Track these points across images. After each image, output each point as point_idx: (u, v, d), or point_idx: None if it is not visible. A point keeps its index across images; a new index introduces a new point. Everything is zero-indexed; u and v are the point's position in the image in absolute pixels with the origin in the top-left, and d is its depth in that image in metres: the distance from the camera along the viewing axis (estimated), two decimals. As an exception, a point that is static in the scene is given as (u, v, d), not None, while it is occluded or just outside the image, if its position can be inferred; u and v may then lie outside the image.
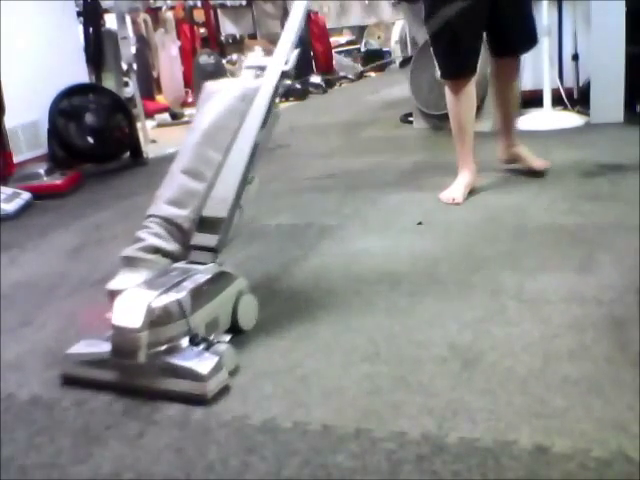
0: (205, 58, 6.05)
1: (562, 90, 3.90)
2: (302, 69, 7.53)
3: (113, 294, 1.46)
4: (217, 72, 6.01)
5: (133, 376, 1.39)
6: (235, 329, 1.56)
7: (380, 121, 4.68)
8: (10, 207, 3.12)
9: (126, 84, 4.93)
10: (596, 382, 1.25)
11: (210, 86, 1.73)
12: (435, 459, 1.08)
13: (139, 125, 4.45)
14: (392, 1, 6.54)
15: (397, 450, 1.12)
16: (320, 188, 3.02)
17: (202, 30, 8.24)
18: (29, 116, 3.89)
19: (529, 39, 2.60)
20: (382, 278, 1.88)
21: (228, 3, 9.68)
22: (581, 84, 3.92)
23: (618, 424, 1.12)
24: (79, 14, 4.52)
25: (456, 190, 2.53)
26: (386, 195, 2.72)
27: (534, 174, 2.69)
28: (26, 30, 3.86)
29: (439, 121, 4.05)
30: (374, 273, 1.93)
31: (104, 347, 1.43)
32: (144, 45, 7.11)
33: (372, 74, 8.68)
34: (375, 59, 8.87)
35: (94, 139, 3.95)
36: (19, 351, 1.67)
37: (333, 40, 8.99)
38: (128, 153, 4.20)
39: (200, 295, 1.45)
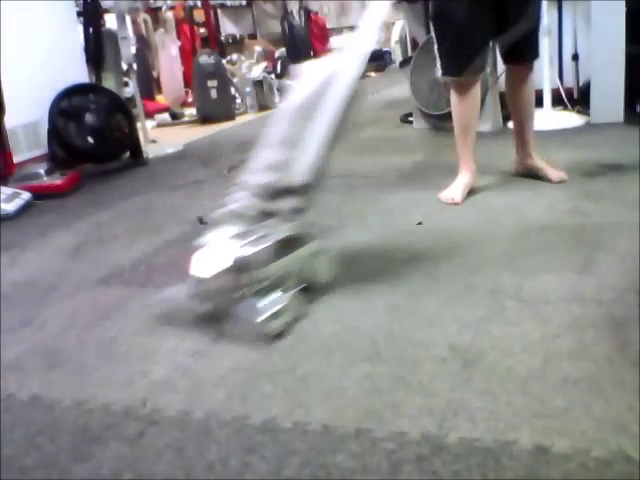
0: (205, 58, 6.04)
1: (562, 90, 3.90)
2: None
3: (198, 250, 1.68)
4: (217, 72, 6.01)
5: (206, 320, 1.63)
6: (310, 284, 1.74)
7: (380, 121, 4.68)
8: (10, 207, 3.12)
9: (126, 84, 4.93)
10: (596, 382, 1.25)
11: (302, 67, 1.99)
12: (435, 459, 1.08)
13: (139, 125, 4.45)
14: (392, 1, 6.54)
15: (397, 450, 1.12)
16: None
17: (202, 30, 8.24)
18: (29, 116, 3.89)
19: (535, 47, 2.60)
20: (382, 278, 1.88)
21: (228, 3, 9.68)
22: (581, 84, 3.92)
23: (618, 424, 1.12)
24: (79, 14, 4.52)
25: (455, 190, 2.52)
26: (386, 195, 2.72)
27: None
28: (26, 30, 3.86)
29: (439, 121, 4.05)
30: (374, 273, 1.93)
31: (184, 292, 1.67)
32: (144, 45, 7.11)
33: (372, 74, 8.68)
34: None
35: (94, 139, 3.95)
36: (19, 351, 1.67)
37: (333, 40, 8.98)
38: (128, 153, 4.20)
39: (277, 250, 1.63)
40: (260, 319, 1.54)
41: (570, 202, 2.37)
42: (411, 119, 4.34)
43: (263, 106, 6.41)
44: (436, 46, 2.53)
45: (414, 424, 1.18)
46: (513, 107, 2.71)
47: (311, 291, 1.73)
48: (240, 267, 1.56)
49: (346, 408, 1.27)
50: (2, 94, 3.50)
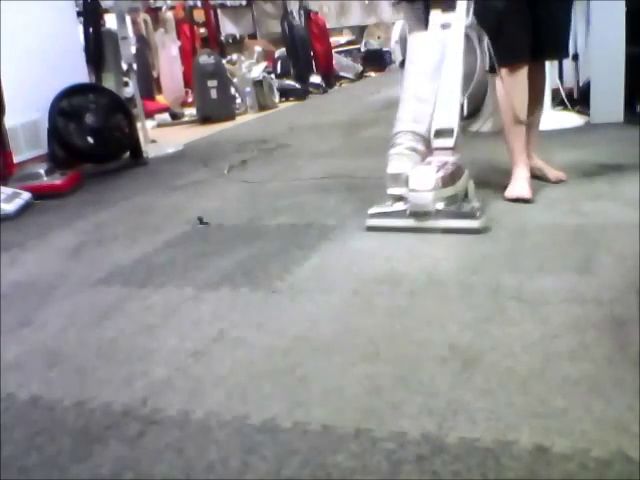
0: (205, 58, 6.04)
1: (562, 90, 3.90)
2: (302, 69, 7.54)
3: (393, 176, 2.34)
4: (217, 72, 6.01)
5: (426, 221, 2.18)
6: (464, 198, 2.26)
7: (380, 121, 4.68)
8: (10, 207, 3.12)
9: (126, 84, 4.94)
10: (596, 382, 1.25)
11: (413, 39, 2.60)
12: (435, 459, 1.08)
13: (139, 125, 4.45)
14: (392, 1, 6.54)
15: (397, 450, 1.12)
16: (320, 188, 3.02)
17: (202, 30, 8.25)
18: (29, 116, 3.90)
19: (562, 47, 2.59)
20: (382, 278, 1.88)
21: (228, 3, 9.70)
22: (581, 84, 3.92)
23: (618, 424, 1.12)
24: (79, 14, 4.53)
25: (521, 186, 2.44)
26: (386, 195, 2.72)
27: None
28: (26, 30, 3.86)
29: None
30: (374, 273, 1.93)
31: (397, 206, 2.27)
32: (144, 45, 7.12)
33: (372, 74, 8.69)
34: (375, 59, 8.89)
35: (94, 139, 3.95)
36: (19, 351, 1.67)
37: (333, 40, 8.99)
38: (128, 153, 4.21)
39: (457, 172, 2.23)
40: (476, 212, 2.17)
41: (570, 202, 2.37)
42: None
43: (263, 106, 6.42)
44: (486, 40, 2.46)
45: (414, 424, 1.18)
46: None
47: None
48: (444, 182, 2.15)
49: (346, 408, 1.27)
50: (2, 94, 3.50)
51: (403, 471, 1.07)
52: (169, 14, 7.49)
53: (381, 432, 1.17)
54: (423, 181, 2.15)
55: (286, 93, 7.09)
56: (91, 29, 4.40)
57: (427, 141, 2.31)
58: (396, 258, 2.03)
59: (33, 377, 1.53)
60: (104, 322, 1.80)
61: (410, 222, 2.19)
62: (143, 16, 7.30)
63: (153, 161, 4.23)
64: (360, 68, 8.79)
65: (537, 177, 2.62)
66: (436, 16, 2.45)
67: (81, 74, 4.28)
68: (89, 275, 2.20)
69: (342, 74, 8.43)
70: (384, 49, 9.11)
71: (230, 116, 6.02)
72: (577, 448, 1.07)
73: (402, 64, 5.02)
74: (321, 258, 2.12)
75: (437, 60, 2.33)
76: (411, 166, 2.27)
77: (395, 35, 8.64)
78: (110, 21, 4.92)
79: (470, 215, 2.16)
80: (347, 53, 9.33)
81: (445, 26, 2.39)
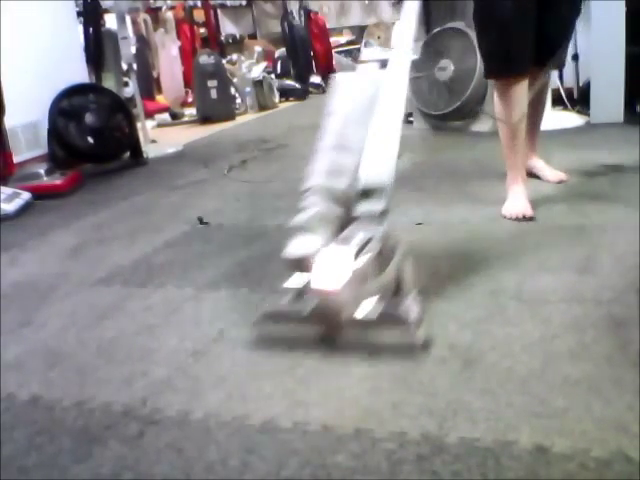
0: (205, 58, 6.04)
1: (562, 90, 3.90)
2: (302, 69, 7.54)
3: (294, 260, 1.55)
4: (217, 72, 6.01)
5: (335, 331, 1.49)
6: (397, 292, 1.59)
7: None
8: (10, 207, 3.12)
9: (126, 84, 4.93)
10: (596, 382, 1.25)
11: (339, 78, 1.93)
12: (435, 459, 1.08)
13: (139, 125, 4.45)
14: (392, 1, 6.54)
15: (397, 450, 1.12)
16: (320, 188, 3.01)
17: (202, 30, 8.24)
18: (29, 116, 3.89)
19: (564, 56, 2.54)
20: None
21: (228, 3, 9.69)
22: (581, 84, 3.92)
23: (618, 424, 1.12)
24: (79, 14, 4.52)
25: (520, 204, 2.29)
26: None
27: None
28: (26, 30, 3.86)
29: (439, 121, 4.06)
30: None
31: (296, 309, 1.53)
32: (144, 45, 7.11)
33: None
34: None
35: (94, 139, 3.95)
36: (19, 351, 1.67)
37: (333, 40, 8.99)
38: (128, 153, 4.20)
39: (383, 255, 1.55)
40: (412, 323, 1.47)
41: (570, 202, 2.37)
42: (411, 119, 4.34)
43: (263, 106, 6.41)
44: (478, 46, 2.38)
45: (414, 424, 1.18)
46: (528, 108, 2.54)
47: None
48: (361, 276, 1.45)
49: (346, 408, 1.27)
50: (2, 94, 3.50)
51: (403, 471, 1.07)
52: (169, 14, 7.49)
53: (381, 432, 1.17)
54: (331, 275, 1.43)
55: (286, 93, 7.09)
56: (91, 29, 4.39)
57: (348, 202, 1.65)
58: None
59: (33, 377, 1.53)
60: (104, 322, 1.80)
61: (312, 332, 1.52)
62: (143, 16, 7.30)
63: (153, 161, 4.23)
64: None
65: (536, 177, 2.62)
66: (371, 52, 2.14)
67: (81, 74, 4.27)
68: (89, 275, 2.20)
69: (342, 74, 8.42)
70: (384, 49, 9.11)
71: (230, 116, 6.02)
72: (577, 448, 1.07)
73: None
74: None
75: (367, 103, 1.76)
76: (320, 243, 1.53)
77: (395, 35, 8.65)
78: (110, 21, 4.92)
79: (402, 324, 1.49)
80: (347, 53, 9.32)
81: (383, 63, 1.89)
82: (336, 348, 1.48)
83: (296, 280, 1.58)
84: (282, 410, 1.28)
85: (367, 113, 1.74)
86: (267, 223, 2.57)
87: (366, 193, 1.65)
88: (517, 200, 2.31)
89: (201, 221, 2.65)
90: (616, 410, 1.16)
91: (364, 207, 1.63)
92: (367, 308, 1.45)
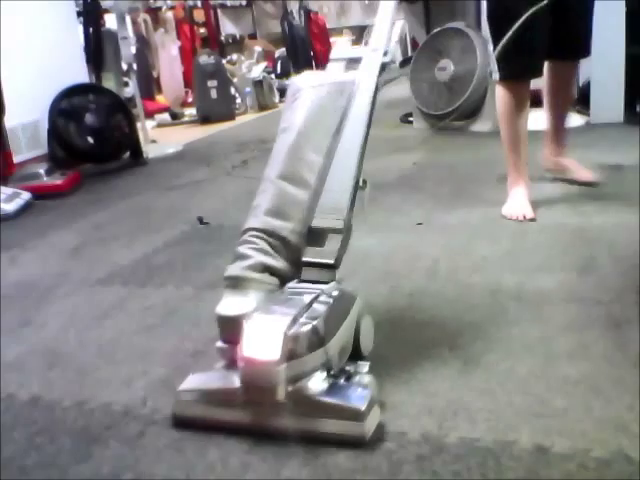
0: (205, 58, 6.04)
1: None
2: (302, 69, 7.54)
3: (224, 320, 1.30)
4: (217, 72, 6.01)
5: (270, 416, 1.18)
6: (354, 355, 1.33)
7: (380, 121, 4.67)
8: (10, 207, 3.12)
9: (126, 84, 4.93)
10: (596, 382, 1.25)
11: (297, 81, 1.53)
12: (435, 459, 1.08)
13: (139, 125, 4.45)
14: (394, 1, 6.54)
15: (397, 450, 1.12)
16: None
17: (202, 30, 8.24)
18: (29, 116, 3.89)
19: (589, 44, 2.42)
20: (382, 278, 1.88)
21: (228, 3, 9.69)
22: (581, 84, 3.92)
23: (618, 424, 1.12)
24: (79, 14, 4.52)
25: (521, 205, 2.28)
26: (386, 195, 2.72)
27: (584, 184, 2.53)
28: (26, 30, 3.86)
29: (439, 121, 4.06)
30: (374, 273, 1.93)
31: (224, 382, 1.24)
32: (144, 45, 7.11)
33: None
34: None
35: (94, 139, 3.95)
36: (19, 351, 1.67)
37: (333, 40, 8.98)
38: (128, 153, 4.20)
39: (332, 319, 1.23)
40: (361, 408, 1.14)
41: (570, 202, 2.37)
42: (411, 119, 4.35)
43: (263, 106, 6.41)
44: (492, 47, 2.27)
45: (414, 424, 1.18)
46: (552, 104, 2.55)
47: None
48: (303, 346, 1.17)
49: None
50: (2, 94, 3.50)
51: (403, 471, 1.07)
52: (169, 14, 7.49)
53: (380, 432, 1.17)
54: (263, 343, 1.16)
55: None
56: (91, 29, 4.39)
57: (294, 249, 1.37)
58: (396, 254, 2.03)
59: (33, 377, 1.53)
60: (104, 322, 1.80)
61: (240, 415, 1.20)
62: (143, 16, 7.30)
63: (153, 161, 4.23)
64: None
65: (565, 179, 2.55)
66: (341, 48, 1.68)
67: (81, 74, 4.27)
68: (89, 275, 2.20)
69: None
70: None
71: (230, 116, 6.02)
72: (577, 448, 1.07)
73: (402, 64, 5.02)
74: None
75: (328, 118, 1.45)
76: (258, 300, 1.30)
77: (395, 35, 8.65)
78: (110, 21, 4.92)
79: (348, 407, 1.15)
80: (347, 53, 9.31)
81: (353, 62, 1.57)
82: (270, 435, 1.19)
83: (225, 344, 1.29)
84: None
85: (327, 131, 1.43)
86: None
87: (316, 237, 1.36)
88: (518, 201, 2.30)
89: (201, 221, 2.65)
90: (616, 410, 1.16)
91: (312, 255, 1.34)
92: (311, 384, 1.17)
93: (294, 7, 7.94)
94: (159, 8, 7.84)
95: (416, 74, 4.13)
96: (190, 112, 6.48)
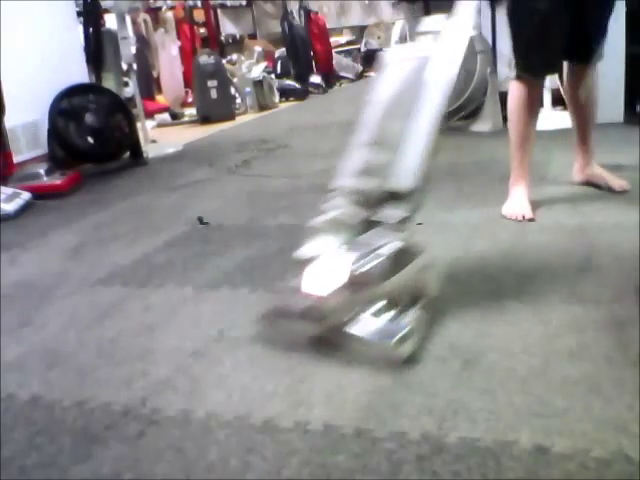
0: (205, 58, 6.04)
1: (562, 90, 3.90)
2: (302, 69, 7.54)
3: (304, 262, 1.50)
4: (217, 72, 6.01)
5: (326, 339, 1.43)
6: (417, 300, 1.53)
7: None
8: (10, 207, 3.12)
9: (126, 84, 4.93)
10: (596, 382, 1.25)
11: (387, 54, 1.73)
12: (435, 459, 1.08)
13: (139, 125, 4.45)
14: (392, 1, 6.54)
15: (397, 450, 1.12)
16: (320, 188, 3.01)
17: (202, 30, 8.23)
18: (29, 116, 3.89)
19: (601, 47, 2.37)
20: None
21: (228, 3, 9.68)
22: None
23: (618, 424, 1.12)
24: (79, 14, 4.52)
25: (521, 205, 2.28)
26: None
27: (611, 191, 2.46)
28: (26, 30, 3.86)
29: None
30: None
31: (296, 311, 1.48)
32: (144, 45, 7.11)
33: (372, 74, 8.68)
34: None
35: (94, 139, 3.95)
36: (19, 351, 1.67)
37: (333, 40, 8.99)
38: (128, 153, 4.21)
39: (394, 263, 1.46)
40: (393, 341, 1.39)
41: (570, 202, 2.37)
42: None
43: (263, 106, 6.41)
44: (512, 43, 2.28)
45: (414, 424, 1.18)
46: (576, 108, 2.50)
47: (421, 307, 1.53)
48: (357, 283, 1.40)
49: (346, 408, 1.26)
50: (2, 94, 3.50)
51: (403, 471, 1.07)
52: (169, 14, 7.48)
53: (381, 432, 1.17)
54: (323, 277, 1.41)
55: (286, 93, 7.09)
56: (91, 29, 4.39)
57: (374, 204, 1.58)
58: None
59: (33, 377, 1.53)
60: (104, 322, 1.80)
61: (304, 330, 1.49)
62: (143, 16, 7.30)
63: (153, 161, 4.23)
64: (360, 68, 8.78)
65: (597, 186, 2.49)
66: (432, 21, 1.77)
67: (81, 74, 4.27)
68: (89, 275, 2.20)
69: (342, 74, 8.42)
70: (384, 49, 9.11)
71: (230, 116, 6.02)
72: (577, 448, 1.07)
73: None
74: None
75: (413, 90, 1.58)
76: (333, 247, 1.53)
77: (395, 35, 8.65)
78: (110, 21, 4.91)
79: (386, 337, 1.41)
80: (347, 53, 9.32)
81: (434, 34, 1.68)
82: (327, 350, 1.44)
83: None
84: (282, 410, 1.28)
85: (410, 103, 1.57)
86: (267, 223, 2.57)
87: (392, 196, 1.55)
88: (518, 201, 2.30)
89: (201, 221, 2.65)
90: (616, 410, 1.16)
91: (386, 211, 1.55)
92: (359, 322, 1.42)
93: (294, 7, 7.94)
94: (159, 8, 7.83)
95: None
96: (190, 112, 6.48)
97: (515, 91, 2.32)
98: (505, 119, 3.74)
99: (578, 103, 2.48)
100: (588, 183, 2.53)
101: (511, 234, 2.13)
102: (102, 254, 2.43)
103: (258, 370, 1.44)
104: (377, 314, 1.44)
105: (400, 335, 1.39)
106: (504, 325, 1.52)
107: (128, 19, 5.26)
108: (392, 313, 1.45)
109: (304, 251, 1.53)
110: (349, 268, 1.39)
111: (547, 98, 3.77)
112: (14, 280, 2.23)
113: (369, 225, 1.56)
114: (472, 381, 1.30)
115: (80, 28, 4.42)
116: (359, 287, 1.40)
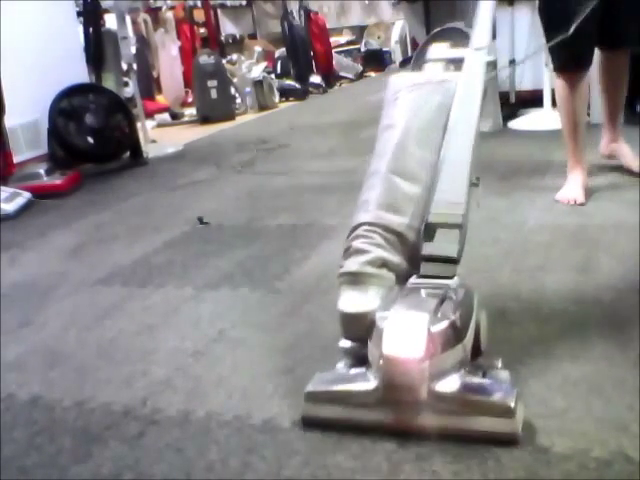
0: (205, 58, 6.04)
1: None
2: (302, 69, 7.54)
3: (348, 317, 1.29)
4: (217, 72, 6.01)
5: (410, 414, 1.15)
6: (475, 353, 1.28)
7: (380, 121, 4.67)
8: (10, 207, 3.12)
9: (126, 84, 4.93)
10: (596, 382, 1.25)
11: (397, 81, 1.55)
12: (435, 459, 1.08)
13: (139, 125, 4.45)
14: (392, 1, 6.54)
15: (397, 450, 1.12)
16: (320, 188, 3.02)
17: (202, 30, 8.23)
18: (29, 116, 3.89)
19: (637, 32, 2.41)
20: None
21: (228, 3, 9.68)
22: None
23: (618, 424, 1.12)
24: (79, 14, 4.52)
25: (575, 190, 2.39)
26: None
27: (630, 173, 2.59)
28: (26, 30, 3.86)
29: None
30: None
31: (356, 381, 1.21)
32: (144, 45, 7.11)
33: (372, 74, 8.68)
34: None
35: (94, 139, 3.95)
36: (19, 351, 1.67)
37: (333, 40, 8.98)
38: (128, 153, 4.21)
39: (463, 314, 1.21)
40: (511, 404, 1.11)
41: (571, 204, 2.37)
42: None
43: (263, 106, 6.41)
44: (546, 41, 2.33)
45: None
46: (609, 93, 2.62)
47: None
48: (445, 343, 1.15)
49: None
50: (2, 94, 3.50)
51: (403, 471, 1.07)
52: (169, 14, 7.48)
53: (381, 432, 1.17)
54: (406, 340, 1.14)
55: (286, 93, 7.09)
56: (91, 29, 4.39)
57: (410, 245, 1.35)
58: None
59: (33, 377, 1.53)
60: (104, 322, 1.81)
61: (379, 415, 1.17)
62: (143, 16, 7.29)
63: (153, 161, 4.23)
64: (360, 68, 8.78)
65: (617, 166, 2.64)
66: (439, 49, 1.66)
67: (81, 74, 4.27)
68: (89, 275, 2.20)
69: (342, 74, 8.42)
70: (384, 49, 9.10)
71: (230, 116, 6.02)
72: (577, 448, 1.07)
73: (402, 64, 5.03)
74: (321, 258, 2.11)
75: (435, 116, 1.45)
76: (379, 296, 1.28)
77: (395, 35, 8.65)
78: (110, 21, 4.91)
79: (498, 401, 1.14)
80: (347, 53, 9.31)
81: (454, 63, 1.59)
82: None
83: (351, 343, 1.29)
84: (282, 410, 1.28)
85: (433, 128, 1.44)
86: (267, 223, 2.57)
87: (432, 232, 1.33)
88: (573, 186, 2.41)
89: (201, 221, 2.65)
90: (616, 410, 1.16)
91: (432, 250, 1.32)
92: (452, 381, 1.14)
93: (294, 7, 7.93)
94: (159, 8, 7.83)
95: (416, 74, 4.13)
96: (190, 112, 6.47)
97: (558, 83, 2.45)
98: (505, 119, 3.76)
99: (611, 88, 2.59)
100: (612, 157, 2.69)
101: (511, 234, 2.13)
102: (102, 254, 2.43)
103: (258, 370, 1.44)
104: (467, 375, 1.17)
105: (514, 400, 1.11)
106: (504, 325, 1.52)
107: (128, 19, 5.26)
108: (480, 372, 1.21)
109: (346, 305, 1.30)
110: (431, 327, 1.14)
111: (547, 98, 3.77)
112: (14, 280, 2.23)
113: (406, 268, 1.34)
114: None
115: (80, 28, 4.42)
116: (448, 343, 1.16)
